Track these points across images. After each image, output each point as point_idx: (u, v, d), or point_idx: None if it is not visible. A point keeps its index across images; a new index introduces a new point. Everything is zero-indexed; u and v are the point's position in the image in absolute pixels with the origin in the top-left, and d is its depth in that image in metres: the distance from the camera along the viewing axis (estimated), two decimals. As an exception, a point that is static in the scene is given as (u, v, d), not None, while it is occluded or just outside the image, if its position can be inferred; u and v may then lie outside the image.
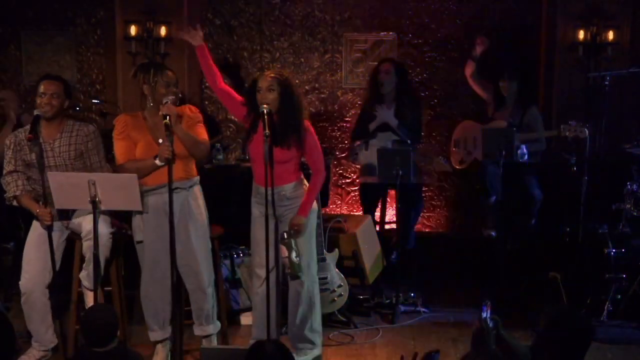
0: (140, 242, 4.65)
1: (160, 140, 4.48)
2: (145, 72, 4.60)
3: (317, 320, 4.85)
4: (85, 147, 4.79)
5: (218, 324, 4.89)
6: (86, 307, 4.65)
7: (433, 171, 6.80)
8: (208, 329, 4.82)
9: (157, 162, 4.46)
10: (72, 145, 4.76)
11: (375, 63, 6.62)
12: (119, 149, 4.60)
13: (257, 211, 4.70)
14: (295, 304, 4.77)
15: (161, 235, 4.53)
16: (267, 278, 4.58)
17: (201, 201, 4.73)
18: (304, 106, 4.66)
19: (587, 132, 5.67)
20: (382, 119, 6.23)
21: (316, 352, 4.88)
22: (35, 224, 4.77)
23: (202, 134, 4.67)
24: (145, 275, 4.68)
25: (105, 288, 4.95)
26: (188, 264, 4.64)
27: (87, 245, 4.69)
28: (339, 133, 7.34)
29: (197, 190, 4.72)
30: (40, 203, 4.66)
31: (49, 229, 4.65)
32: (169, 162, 4.37)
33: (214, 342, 4.86)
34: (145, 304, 4.73)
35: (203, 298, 4.74)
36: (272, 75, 4.53)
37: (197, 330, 4.84)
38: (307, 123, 4.62)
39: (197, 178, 4.73)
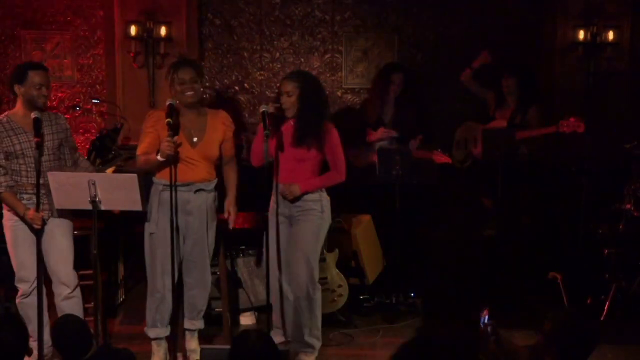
0: (153, 233, 4.67)
1: (195, 139, 4.57)
2: (169, 69, 4.66)
3: (317, 325, 4.86)
4: (64, 134, 4.74)
5: (203, 320, 4.97)
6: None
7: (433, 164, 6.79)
8: (199, 323, 4.92)
9: (159, 157, 4.45)
10: (55, 135, 4.66)
11: (375, 64, 6.64)
12: (142, 142, 4.63)
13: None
14: (295, 307, 4.81)
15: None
16: (267, 275, 4.69)
17: (216, 204, 4.81)
18: (326, 109, 4.82)
19: (584, 126, 5.69)
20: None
21: (314, 356, 4.91)
22: (15, 224, 4.61)
23: (232, 149, 4.81)
24: (155, 268, 4.68)
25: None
26: (200, 262, 4.74)
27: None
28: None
29: (215, 193, 4.79)
30: (29, 203, 4.52)
31: (38, 232, 4.52)
32: (171, 158, 4.41)
33: (196, 337, 4.92)
34: (152, 297, 4.74)
35: (204, 295, 4.87)
36: (291, 81, 4.68)
37: (188, 324, 4.89)
38: (329, 126, 4.75)
39: (216, 180, 4.79)
